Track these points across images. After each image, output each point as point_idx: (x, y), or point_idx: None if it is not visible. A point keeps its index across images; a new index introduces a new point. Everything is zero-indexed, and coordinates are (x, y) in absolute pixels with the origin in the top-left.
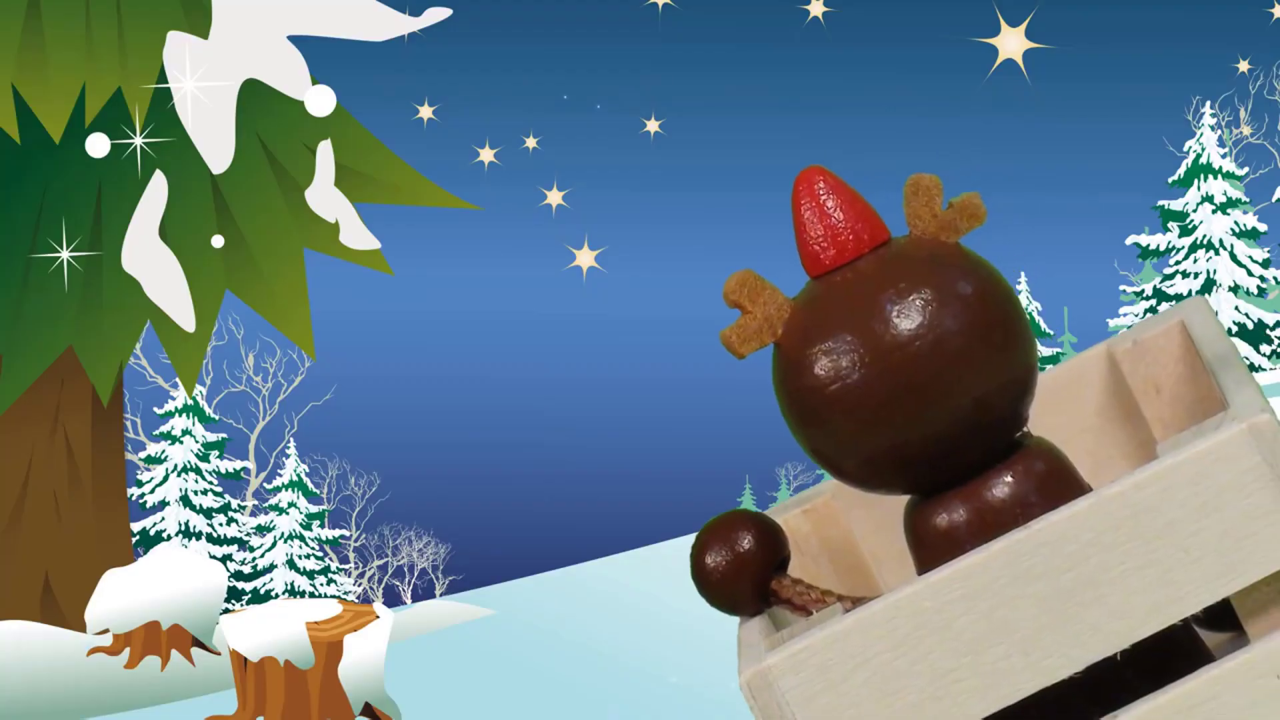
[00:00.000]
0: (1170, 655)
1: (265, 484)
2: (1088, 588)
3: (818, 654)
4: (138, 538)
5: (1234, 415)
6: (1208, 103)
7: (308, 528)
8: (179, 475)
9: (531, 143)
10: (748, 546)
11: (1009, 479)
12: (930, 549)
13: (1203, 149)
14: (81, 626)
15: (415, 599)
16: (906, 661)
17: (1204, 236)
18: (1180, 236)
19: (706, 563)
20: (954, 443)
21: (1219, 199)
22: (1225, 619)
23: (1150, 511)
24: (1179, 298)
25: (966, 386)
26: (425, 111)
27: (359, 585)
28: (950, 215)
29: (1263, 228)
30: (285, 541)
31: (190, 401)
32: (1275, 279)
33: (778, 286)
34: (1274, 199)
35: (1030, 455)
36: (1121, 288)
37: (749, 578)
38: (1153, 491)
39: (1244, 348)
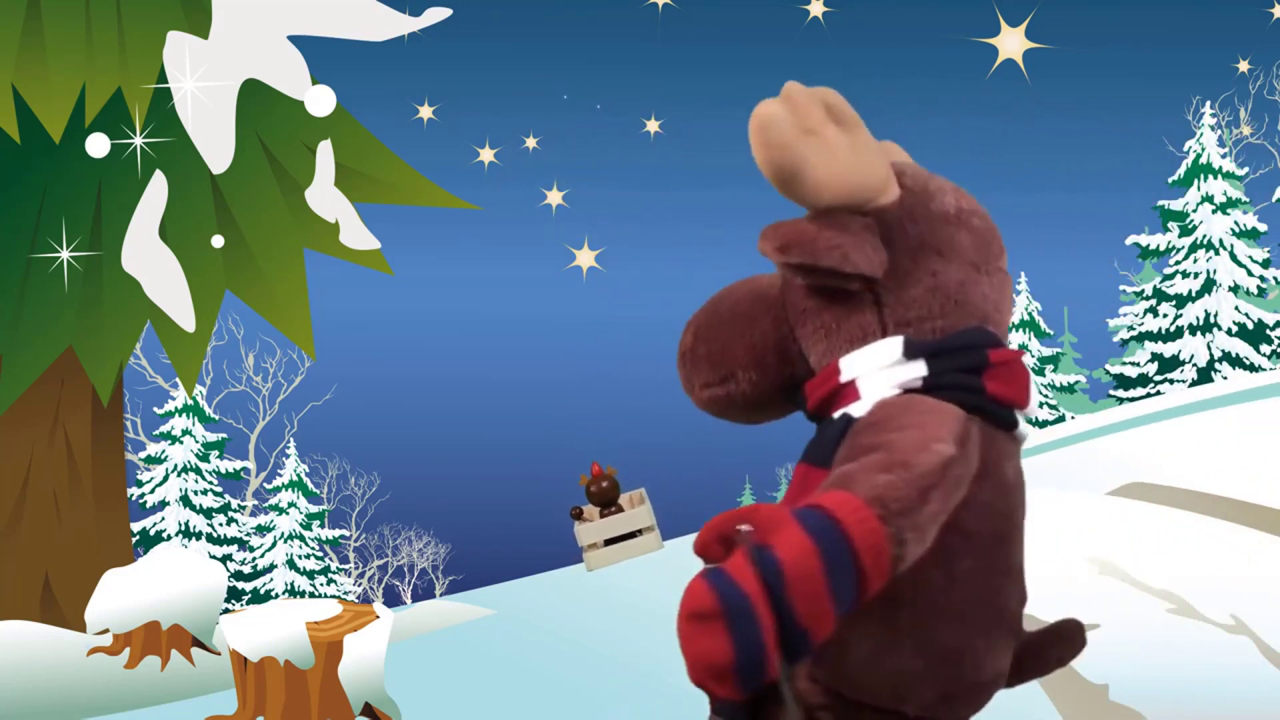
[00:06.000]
0: None
1: (265, 484)
2: None
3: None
4: (138, 538)
5: None
6: (1208, 103)
7: (308, 528)
8: (179, 475)
9: (531, 143)
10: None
11: None
12: None
13: (1203, 149)
14: (81, 626)
15: (415, 599)
16: None
17: (1204, 236)
18: (1180, 236)
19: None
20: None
21: (1219, 199)
22: None
23: None
24: (1179, 298)
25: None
26: (425, 111)
27: (359, 585)
28: None
29: (1263, 228)
30: (285, 541)
31: (190, 401)
32: (1275, 279)
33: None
34: (1274, 199)
35: None
36: (1121, 288)
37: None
38: None
39: (1244, 348)
